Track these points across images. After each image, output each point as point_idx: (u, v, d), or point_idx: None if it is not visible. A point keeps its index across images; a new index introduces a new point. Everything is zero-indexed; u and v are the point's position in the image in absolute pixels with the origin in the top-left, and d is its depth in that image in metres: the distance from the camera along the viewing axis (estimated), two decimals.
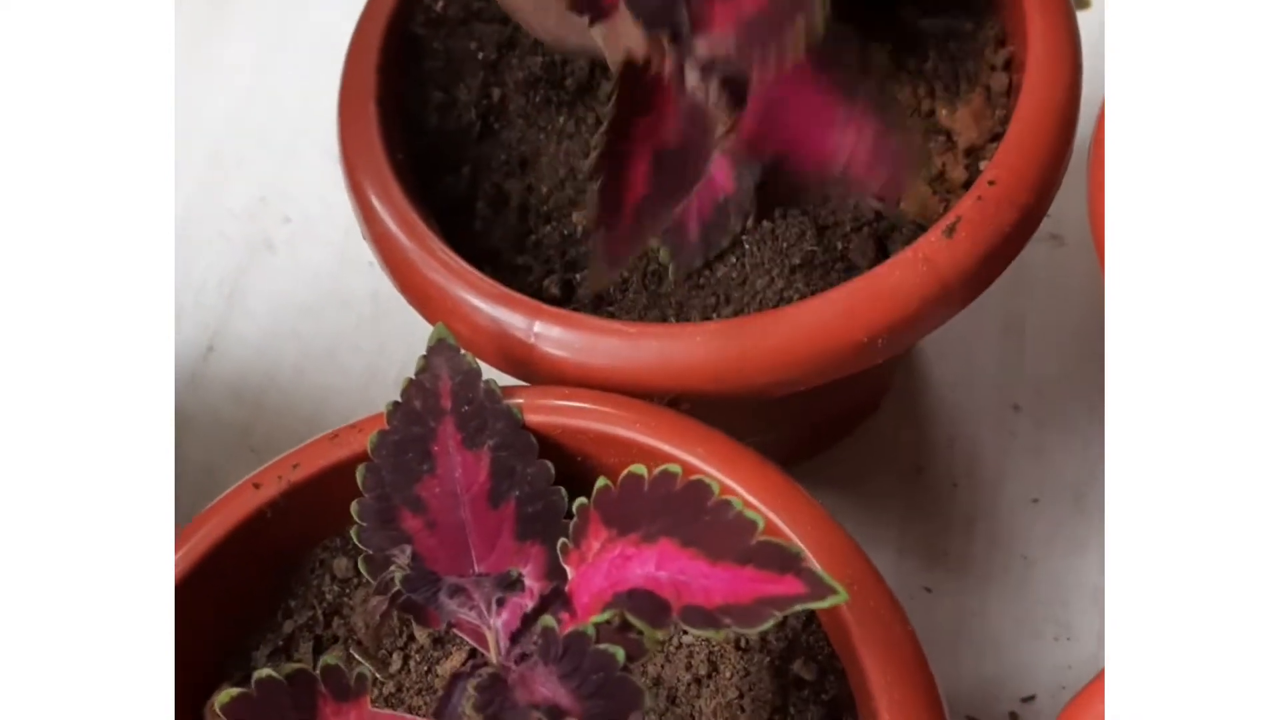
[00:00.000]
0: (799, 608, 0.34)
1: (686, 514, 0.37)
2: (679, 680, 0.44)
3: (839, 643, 0.43)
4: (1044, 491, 0.63)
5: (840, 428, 0.64)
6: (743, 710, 0.43)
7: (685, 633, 0.45)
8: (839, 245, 0.51)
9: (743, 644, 0.44)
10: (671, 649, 0.45)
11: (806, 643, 0.44)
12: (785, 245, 0.51)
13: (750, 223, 0.51)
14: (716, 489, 0.37)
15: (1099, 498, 0.62)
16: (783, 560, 0.35)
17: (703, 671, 0.44)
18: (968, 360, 0.66)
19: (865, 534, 0.63)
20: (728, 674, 0.44)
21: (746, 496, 0.43)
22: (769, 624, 0.34)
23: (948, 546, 0.62)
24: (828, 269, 0.51)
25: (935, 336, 0.67)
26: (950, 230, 0.47)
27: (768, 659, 0.44)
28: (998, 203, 0.48)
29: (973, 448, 0.64)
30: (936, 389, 0.66)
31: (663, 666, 0.44)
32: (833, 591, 0.34)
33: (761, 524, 0.35)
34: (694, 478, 0.37)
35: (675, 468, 0.38)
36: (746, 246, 0.51)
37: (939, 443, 0.65)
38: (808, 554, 0.42)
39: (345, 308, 0.70)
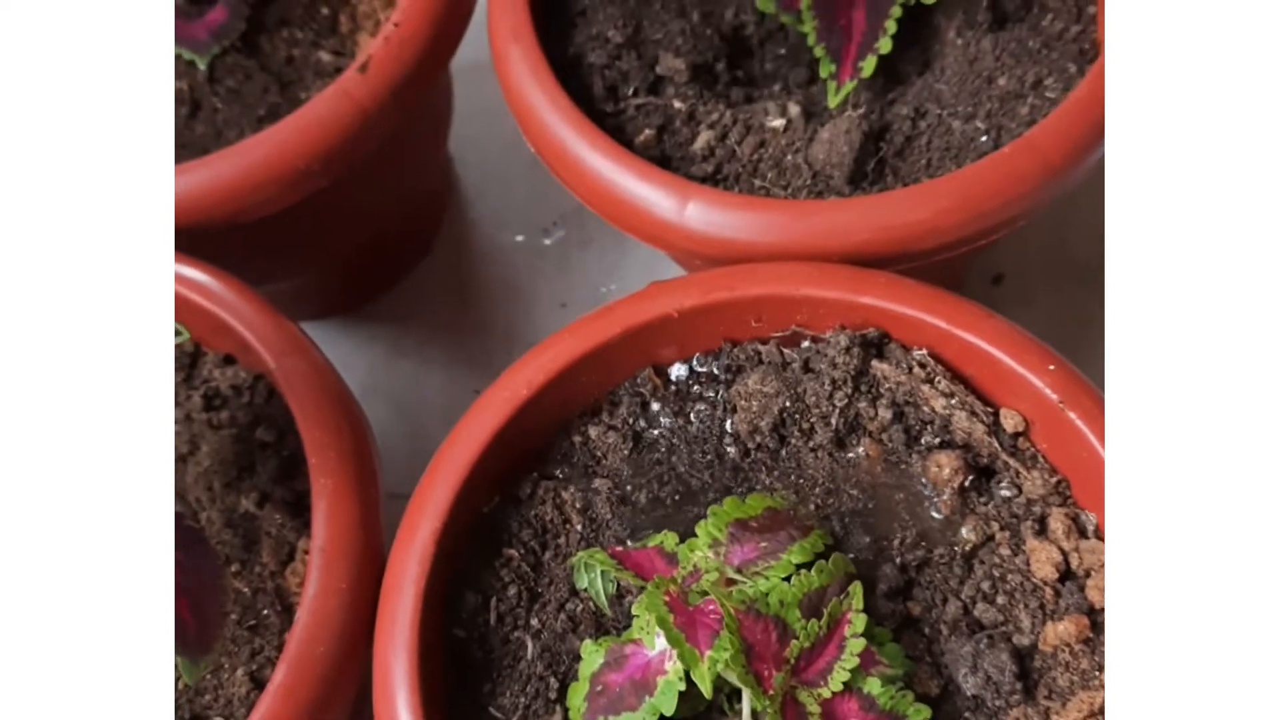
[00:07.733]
0: None
1: None
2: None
3: (292, 407, 0.53)
4: (570, 298, 0.73)
5: (395, 270, 0.74)
6: (218, 474, 0.52)
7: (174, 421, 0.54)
8: (301, 95, 0.60)
9: (214, 423, 0.53)
10: None
11: (268, 414, 0.54)
12: (250, 100, 0.60)
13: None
14: None
15: (614, 295, 0.73)
16: None
17: (184, 450, 0.53)
18: (504, 196, 0.76)
19: (423, 355, 0.73)
20: (205, 449, 0.53)
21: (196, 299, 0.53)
22: None
23: (491, 356, 0.72)
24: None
25: (475, 178, 0.78)
26: (363, 68, 0.57)
27: (236, 431, 0.53)
28: (401, 42, 0.57)
29: (511, 270, 0.74)
30: (479, 225, 0.76)
31: None
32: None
33: None
34: None
35: None
36: (218, 106, 0.60)
37: (483, 271, 0.75)
38: None
39: None
